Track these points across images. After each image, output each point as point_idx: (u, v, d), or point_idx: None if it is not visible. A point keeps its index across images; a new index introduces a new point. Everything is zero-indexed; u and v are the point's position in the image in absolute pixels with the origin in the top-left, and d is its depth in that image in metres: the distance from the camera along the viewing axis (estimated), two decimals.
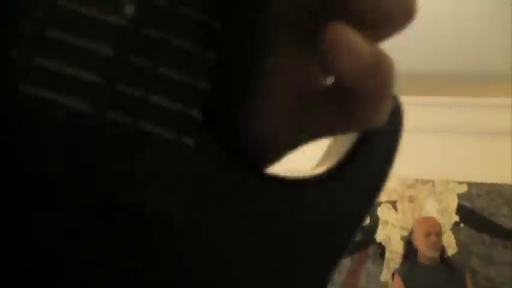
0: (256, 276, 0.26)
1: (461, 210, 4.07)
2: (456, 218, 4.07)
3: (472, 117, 4.06)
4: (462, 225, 4.06)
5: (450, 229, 4.06)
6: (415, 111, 4.09)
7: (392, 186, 4.18)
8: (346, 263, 4.19)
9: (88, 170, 0.22)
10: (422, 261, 3.43)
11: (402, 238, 4.13)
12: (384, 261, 4.15)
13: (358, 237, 4.18)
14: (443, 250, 3.47)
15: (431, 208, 4.11)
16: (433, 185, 4.12)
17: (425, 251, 3.39)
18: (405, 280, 3.38)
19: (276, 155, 0.30)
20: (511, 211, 3.99)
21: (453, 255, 4.02)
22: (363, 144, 0.31)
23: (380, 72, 0.25)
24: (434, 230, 3.38)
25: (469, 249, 3.99)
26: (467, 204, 4.07)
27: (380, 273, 4.14)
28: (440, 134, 4.14)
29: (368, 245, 4.19)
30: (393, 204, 4.17)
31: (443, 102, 4.12)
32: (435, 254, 3.39)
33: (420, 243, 3.41)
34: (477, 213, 4.04)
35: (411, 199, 4.15)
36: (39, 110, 0.21)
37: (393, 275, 3.57)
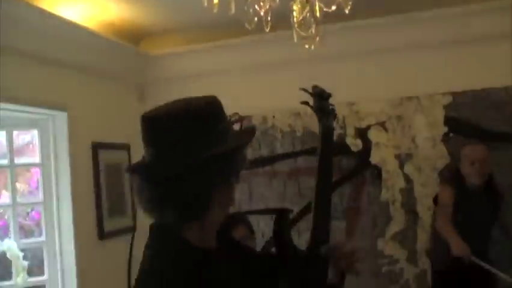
0: None
1: (448, 120, 4.17)
2: (445, 129, 4.17)
3: (447, 28, 4.10)
4: (451, 135, 4.16)
5: (440, 140, 4.17)
6: (393, 31, 4.16)
7: (379, 108, 4.26)
8: (346, 189, 4.31)
9: None
10: (469, 186, 3.56)
11: (396, 157, 4.25)
12: (382, 182, 4.26)
13: (354, 163, 4.29)
14: (490, 176, 3.61)
15: (419, 123, 4.21)
16: (418, 100, 4.21)
17: (470, 178, 3.53)
18: (456, 195, 3.53)
19: None
20: (496, 114, 4.09)
21: (447, 165, 4.14)
22: None
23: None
24: (478, 159, 3.51)
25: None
26: (453, 114, 4.16)
27: (380, 193, 4.27)
28: (419, 50, 4.20)
29: (364, 169, 4.30)
30: (383, 125, 4.27)
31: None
32: (480, 181, 3.53)
33: (466, 171, 3.55)
34: (464, 121, 4.14)
35: (399, 118, 4.24)
36: None
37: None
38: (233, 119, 1.34)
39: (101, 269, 4.00)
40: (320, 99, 1.51)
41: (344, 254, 1.48)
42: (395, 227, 4.24)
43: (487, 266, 3.31)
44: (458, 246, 3.33)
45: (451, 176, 3.72)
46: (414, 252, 4.20)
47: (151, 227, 1.36)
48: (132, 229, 4.43)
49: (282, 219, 1.50)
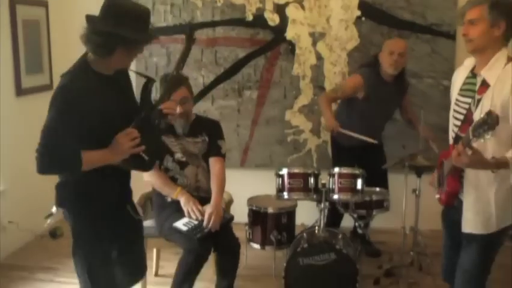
0: None
1: (362, 4, 4.39)
2: (358, 13, 4.40)
3: None
4: (363, 19, 4.41)
5: (353, 23, 4.41)
6: None
7: None
8: (261, 61, 4.53)
9: None
10: (383, 75, 3.81)
11: (310, 35, 4.47)
12: (295, 57, 4.51)
13: (270, 37, 4.48)
14: (402, 71, 3.86)
15: (335, 5, 4.40)
16: None
17: (386, 67, 3.77)
18: (366, 81, 3.79)
19: None
20: (406, 3, 4.35)
21: (355, 47, 4.43)
22: None
23: None
24: (397, 50, 3.74)
25: (370, 39, 4.39)
26: None
27: (292, 67, 4.52)
28: None
29: (279, 43, 4.50)
30: (301, 3, 4.43)
31: None
32: (393, 71, 3.78)
33: (383, 59, 3.78)
34: (377, 7, 4.38)
35: None
36: None
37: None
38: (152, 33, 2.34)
39: (18, 125, 4.09)
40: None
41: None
42: (303, 100, 4.56)
43: (352, 134, 3.70)
44: (328, 122, 3.74)
45: (368, 64, 3.96)
46: (319, 124, 4.57)
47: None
48: (49, 87, 4.49)
49: (148, 84, 2.40)
